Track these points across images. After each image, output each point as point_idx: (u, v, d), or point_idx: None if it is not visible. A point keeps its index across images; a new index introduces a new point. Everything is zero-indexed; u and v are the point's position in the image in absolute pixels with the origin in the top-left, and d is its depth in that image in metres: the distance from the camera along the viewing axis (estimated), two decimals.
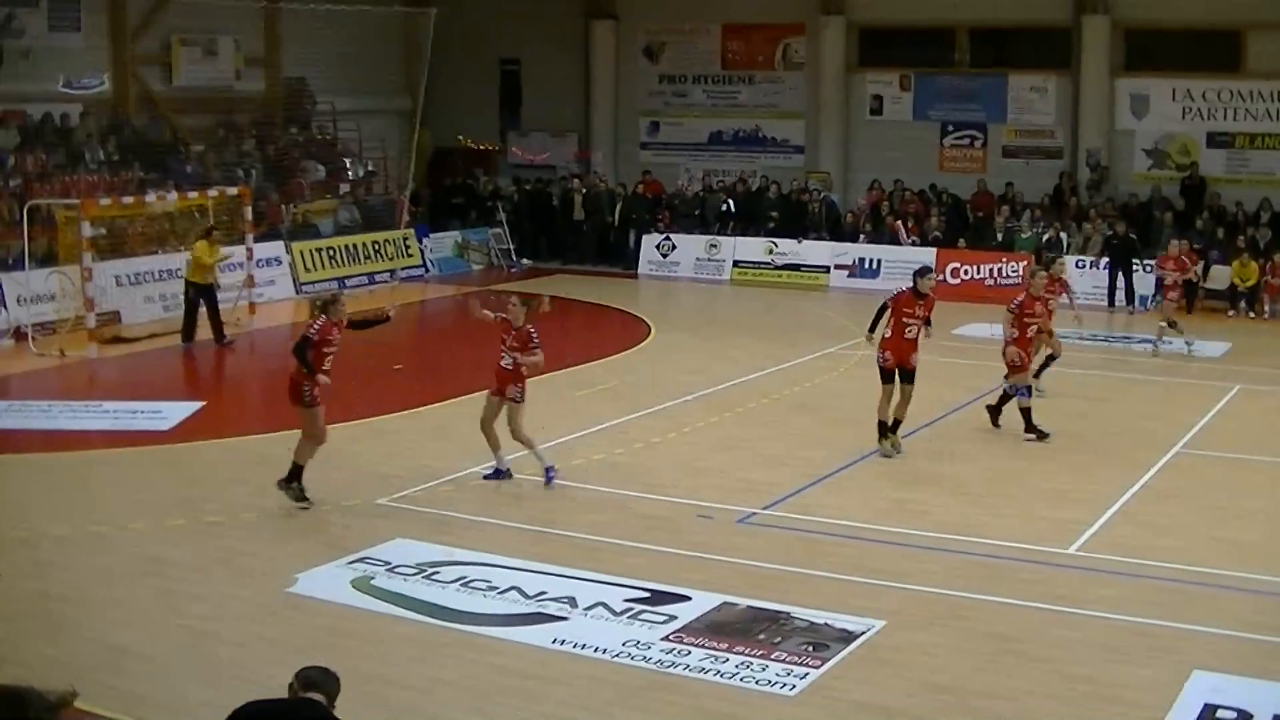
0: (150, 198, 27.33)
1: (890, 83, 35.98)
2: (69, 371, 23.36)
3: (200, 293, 25.30)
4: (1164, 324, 25.13)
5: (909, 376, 17.86)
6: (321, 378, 15.25)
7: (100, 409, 20.39)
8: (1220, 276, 30.12)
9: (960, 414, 20.32)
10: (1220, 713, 10.36)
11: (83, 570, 13.39)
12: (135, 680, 10.82)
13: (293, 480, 15.36)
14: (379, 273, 33.28)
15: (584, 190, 36.74)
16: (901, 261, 32.33)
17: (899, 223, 33.31)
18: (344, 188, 35.03)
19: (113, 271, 26.32)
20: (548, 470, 16.26)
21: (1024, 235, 32.04)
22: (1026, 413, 18.86)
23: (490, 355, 16.83)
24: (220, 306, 26.95)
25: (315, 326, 15.35)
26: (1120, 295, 30.36)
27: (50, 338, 24.82)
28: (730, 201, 35.53)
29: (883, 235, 33.58)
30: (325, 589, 12.87)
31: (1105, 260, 30.55)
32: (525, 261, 36.27)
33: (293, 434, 17.39)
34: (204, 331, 25.43)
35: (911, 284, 18.10)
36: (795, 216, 34.81)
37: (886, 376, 17.80)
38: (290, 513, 15.14)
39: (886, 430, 17.85)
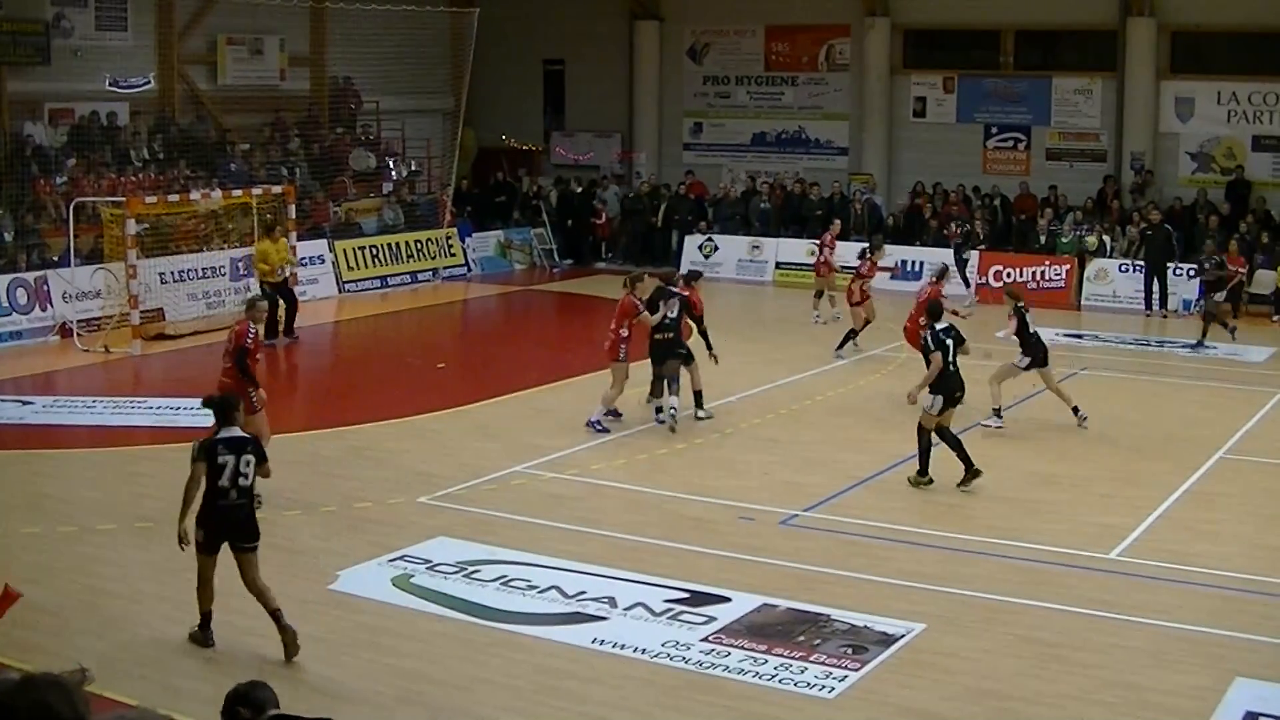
0: (195, 196, 27.47)
1: (934, 85, 35.85)
2: (113, 368, 23.52)
3: (277, 291, 25.16)
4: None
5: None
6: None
7: (144, 405, 20.53)
8: (1265, 281, 29.89)
9: (1002, 416, 20.22)
10: None
11: (128, 565, 13.50)
12: (180, 675, 10.91)
13: None
14: (421, 272, 33.38)
15: (586, 189, 37.16)
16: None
17: (952, 224, 33.18)
18: (387, 187, 35.14)
19: (157, 269, 26.46)
20: None
21: (1064, 239, 31.89)
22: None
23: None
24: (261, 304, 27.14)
25: (247, 331, 15.83)
26: (1157, 298, 30.02)
27: (95, 334, 25.02)
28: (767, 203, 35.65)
29: (926, 238, 33.46)
30: (366, 586, 12.94)
31: (1141, 263, 30.23)
32: (567, 262, 36.32)
33: (333, 432, 17.46)
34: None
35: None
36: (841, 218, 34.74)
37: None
38: (331, 510, 15.22)
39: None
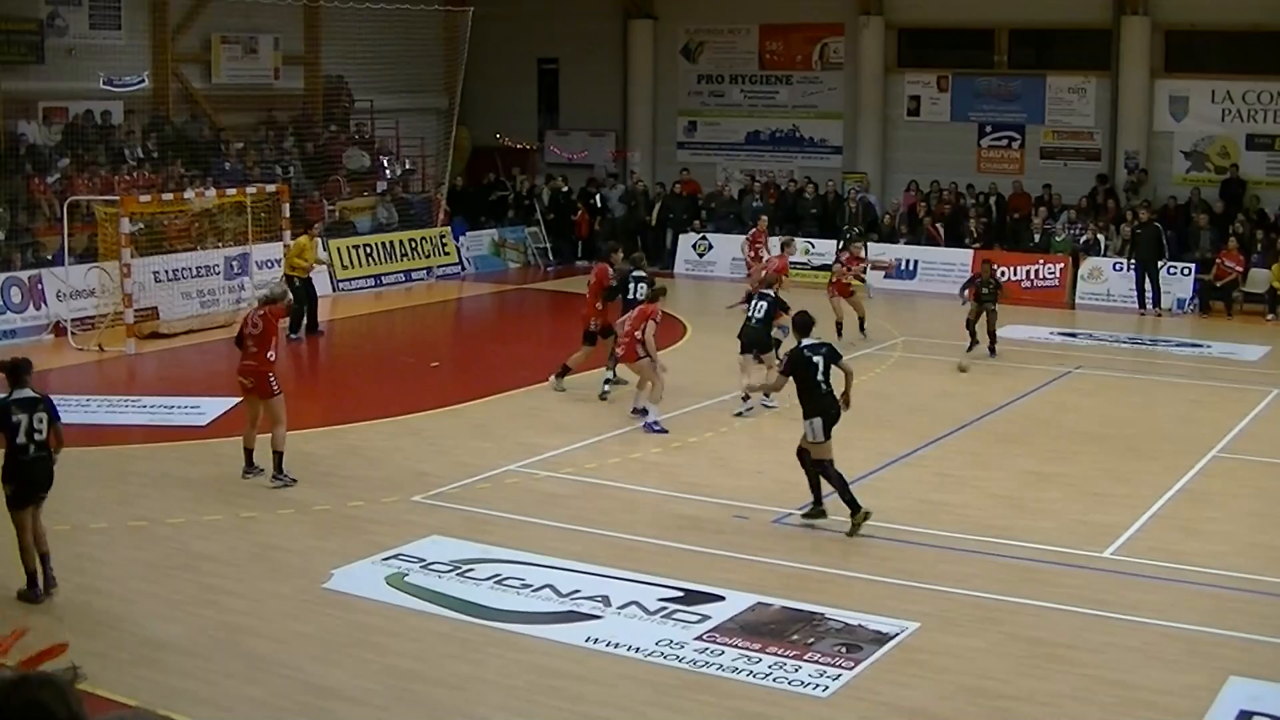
0: (189, 195, 27.47)
1: (929, 83, 35.85)
2: (107, 366, 23.51)
3: (303, 286, 25.68)
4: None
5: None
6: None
7: (138, 404, 20.53)
8: (1259, 280, 29.89)
9: (996, 416, 20.26)
10: (1256, 719, 10.33)
11: (122, 564, 13.49)
12: (173, 674, 10.90)
13: (280, 470, 16.07)
14: (415, 270, 33.38)
15: (584, 188, 37.36)
16: (940, 263, 32.28)
17: (936, 225, 33.24)
18: (381, 185, 35.12)
19: (151, 268, 26.46)
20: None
21: (1059, 238, 31.91)
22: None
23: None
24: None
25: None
26: (1150, 296, 30.03)
27: (89, 333, 25.00)
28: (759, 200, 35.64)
29: (920, 236, 33.50)
30: (360, 585, 12.93)
31: (1133, 261, 30.24)
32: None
33: (327, 430, 17.44)
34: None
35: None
36: (834, 216, 34.80)
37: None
38: (325, 508, 15.22)
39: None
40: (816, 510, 14.86)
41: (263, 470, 16.22)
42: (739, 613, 12.28)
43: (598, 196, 37.04)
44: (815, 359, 14.79)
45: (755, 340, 20.20)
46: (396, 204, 34.59)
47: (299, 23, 34.89)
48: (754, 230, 28.94)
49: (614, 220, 36.76)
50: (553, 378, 21.18)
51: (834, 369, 14.93)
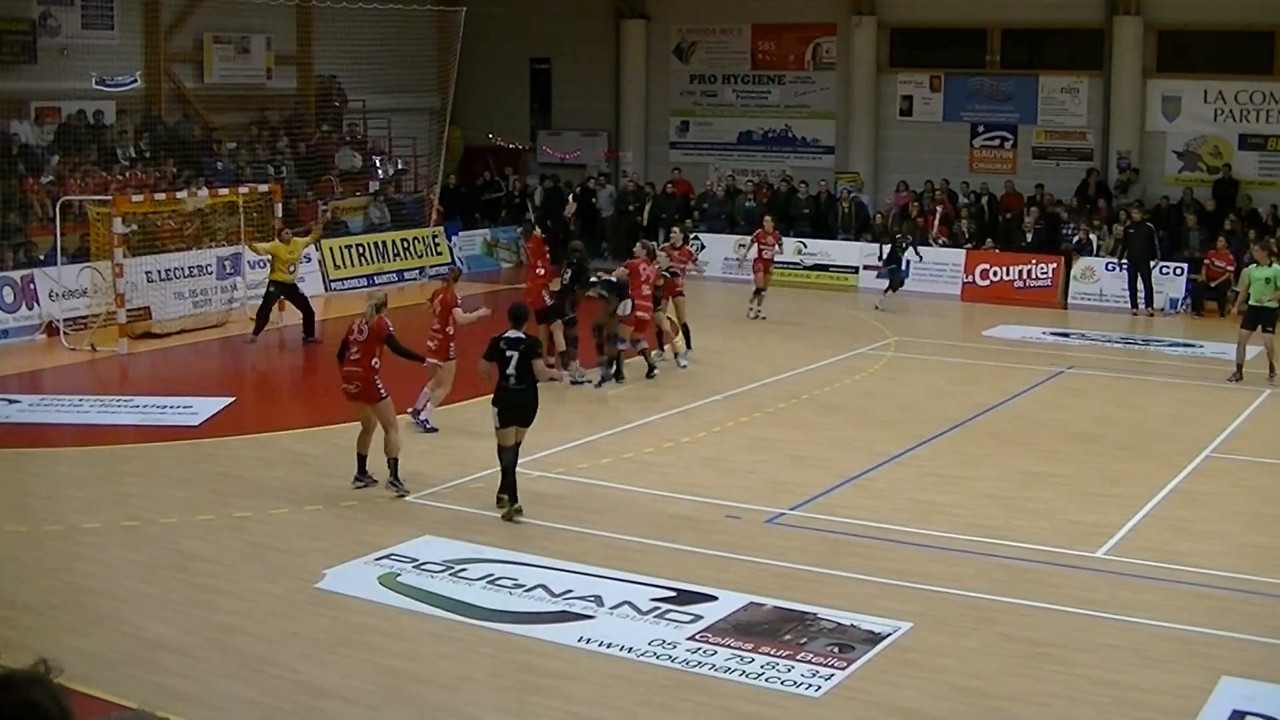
0: (182, 195, 27.43)
1: (921, 83, 35.86)
2: (100, 366, 23.48)
3: (282, 290, 25.62)
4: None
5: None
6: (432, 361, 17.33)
7: (131, 404, 20.50)
8: None
9: (989, 416, 20.27)
10: (1248, 719, 10.34)
11: (114, 564, 13.47)
12: (166, 674, 10.88)
13: (396, 476, 15.84)
14: (408, 270, 33.36)
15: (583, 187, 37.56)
16: (932, 262, 32.27)
17: (933, 216, 33.23)
18: (374, 185, 35.10)
19: (144, 268, 26.41)
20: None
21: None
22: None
23: None
24: (250, 303, 27.14)
25: (388, 325, 16.26)
26: (1143, 296, 30.03)
27: (82, 333, 24.97)
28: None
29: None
30: (353, 585, 12.92)
31: (1125, 261, 30.23)
32: None
33: (320, 431, 17.43)
34: (239, 325, 25.44)
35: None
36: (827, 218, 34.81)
37: None
38: (318, 508, 15.21)
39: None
40: (513, 510, 14.91)
41: (376, 481, 15.98)
42: (731, 613, 12.27)
43: (570, 196, 37.10)
44: (510, 353, 14.93)
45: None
46: (389, 204, 34.57)
47: (291, 22, 34.88)
48: (759, 231, 28.84)
49: (603, 220, 36.82)
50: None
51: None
